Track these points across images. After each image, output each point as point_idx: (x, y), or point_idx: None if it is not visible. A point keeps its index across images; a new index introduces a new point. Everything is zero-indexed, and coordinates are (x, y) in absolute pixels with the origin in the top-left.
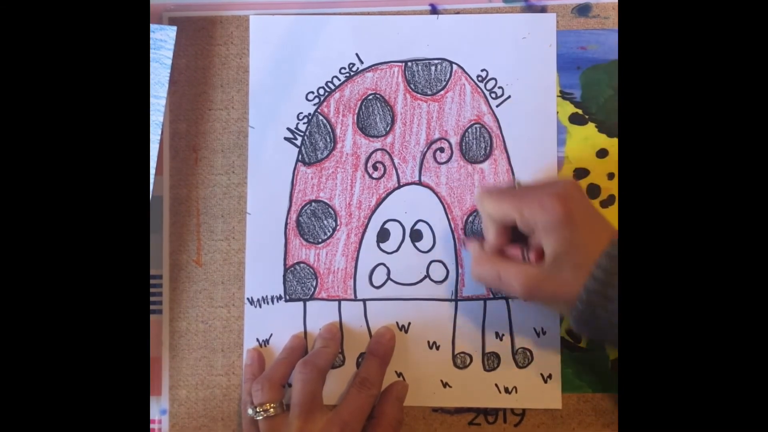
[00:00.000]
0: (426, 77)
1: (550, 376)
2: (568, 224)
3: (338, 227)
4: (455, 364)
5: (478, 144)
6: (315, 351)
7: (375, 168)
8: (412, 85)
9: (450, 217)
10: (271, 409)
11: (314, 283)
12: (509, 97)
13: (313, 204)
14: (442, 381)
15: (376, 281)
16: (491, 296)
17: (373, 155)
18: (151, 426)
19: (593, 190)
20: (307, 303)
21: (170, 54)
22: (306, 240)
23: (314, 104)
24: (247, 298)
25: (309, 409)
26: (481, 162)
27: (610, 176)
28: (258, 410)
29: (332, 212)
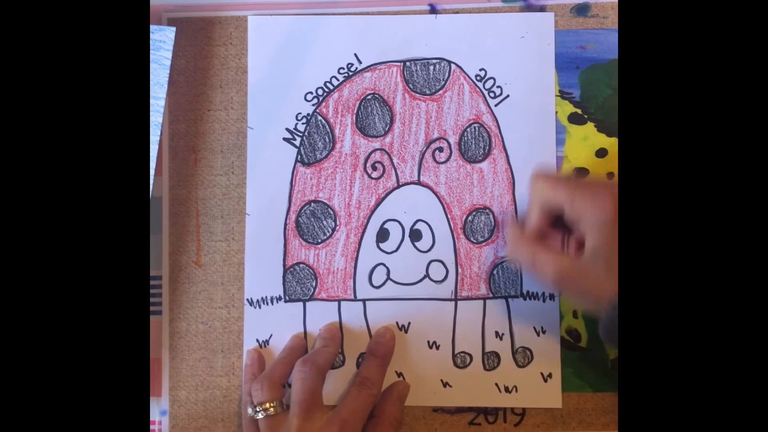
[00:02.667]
0: (425, 77)
1: (550, 375)
2: (616, 224)
3: (337, 227)
4: (455, 364)
5: (477, 143)
6: (315, 350)
7: (374, 168)
8: (410, 85)
9: (449, 216)
10: (271, 408)
11: (314, 284)
12: (508, 96)
13: (312, 204)
14: (442, 381)
15: (376, 281)
16: (491, 296)
17: (372, 155)
18: (151, 427)
19: None
20: (307, 303)
21: (169, 55)
22: (305, 240)
23: (313, 104)
24: (247, 299)
25: (309, 408)
26: (480, 161)
27: (610, 176)
28: (258, 409)
29: (331, 212)
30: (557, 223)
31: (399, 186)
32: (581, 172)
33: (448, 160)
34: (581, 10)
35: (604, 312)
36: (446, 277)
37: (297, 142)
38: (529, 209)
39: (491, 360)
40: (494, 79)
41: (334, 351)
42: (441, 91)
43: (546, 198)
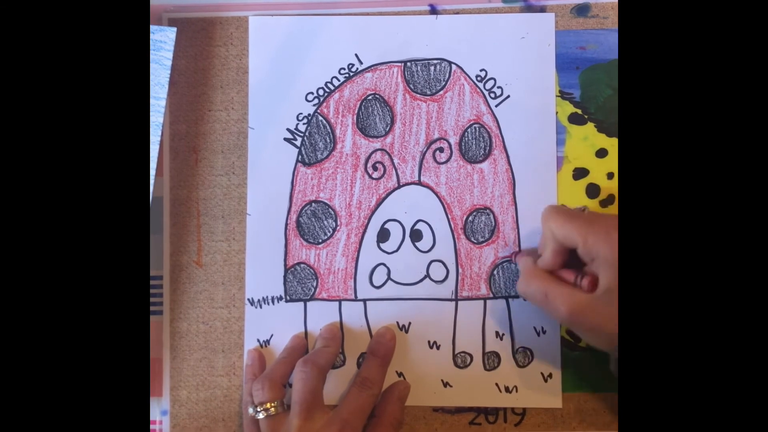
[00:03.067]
0: (425, 77)
1: (550, 376)
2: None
3: (338, 227)
4: (456, 364)
5: (478, 144)
6: (315, 350)
7: (375, 168)
8: (411, 85)
9: (450, 216)
10: (272, 408)
11: (314, 284)
12: (508, 96)
13: (313, 204)
14: (442, 380)
15: (377, 281)
16: (491, 296)
17: (373, 155)
18: (152, 427)
19: (593, 190)
20: (308, 303)
21: (170, 55)
22: (306, 240)
23: (314, 105)
24: (248, 299)
25: (309, 407)
26: (480, 162)
27: (610, 176)
28: (259, 409)
29: (332, 212)
30: (571, 257)
31: (399, 186)
32: (581, 172)
33: (448, 160)
34: (581, 10)
35: (615, 350)
36: (447, 277)
37: (298, 143)
38: (543, 246)
39: (491, 360)
40: (495, 80)
41: (334, 351)
42: (441, 92)
43: (559, 234)
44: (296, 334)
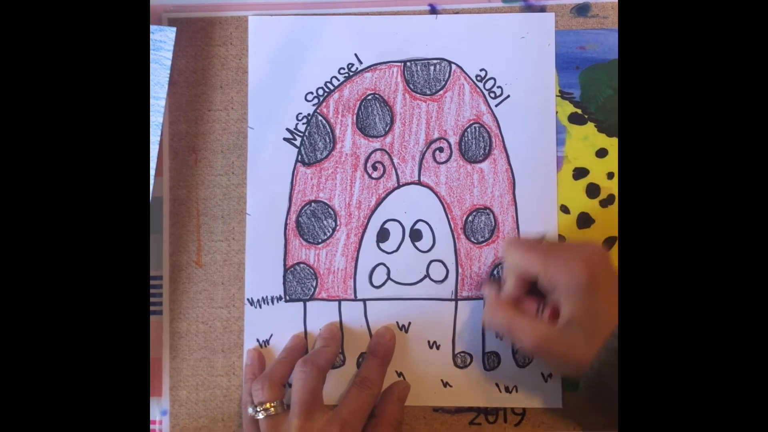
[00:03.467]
0: (425, 77)
1: (550, 375)
2: (589, 291)
3: (338, 227)
4: (455, 364)
5: (478, 144)
6: (315, 350)
7: (374, 168)
8: (411, 85)
9: (449, 216)
10: (272, 408)
11: (314, 284)
12: (508, 96)
13: (312, 204)
14: (442, 380)
15: (376, 281)
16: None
17: (373, 155)
18: (152, 427)
19: (593, 190)
20: (307, 303)
21: (169, 55)
22: (306, 240)
23: (313, 105)
24: (247, 299)
25: (309, 407)
26: (480, 161)
27: (610, 176)
28: (258, 409)
29: (332, 212)
30: (534, 288)
31: (399, 186)
32: (581, 172)
33: (448, 160)
34: (581, 10)
35: (584, 377)
36: (446, 277)
37: (297, 142)
38: (505, 276)
39: (491, 360)
40: (494, 80)
41: (334, 351)
42: (441, 92)
43: (519, 266)
44: (296, 334)
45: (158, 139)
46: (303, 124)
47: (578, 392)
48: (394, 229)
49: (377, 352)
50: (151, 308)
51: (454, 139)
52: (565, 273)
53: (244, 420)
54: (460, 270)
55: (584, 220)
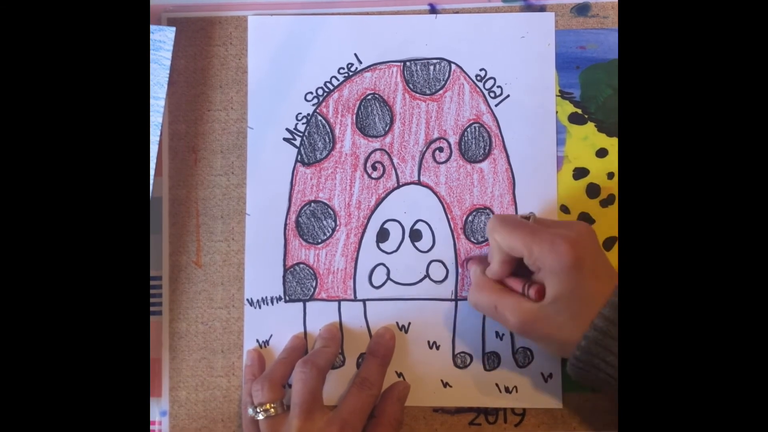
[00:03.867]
0: (425, 77)
1: (550, 376)
2: (575, 270)
3: (338, 227)
4: (455, 364)
5: (477, 143)
6: (315, 350)
7: (374, 168)
8: (410, 85)
9: (449, 216)
10: (272, 409)
11: (314, 284)
12: (508, 96)
13: (312, 204)
14: (442, 381)
15: (376, 281)
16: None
17: (372, 155)
18: (152, 427)
19: (593, 190)
20: (307, 303)
21: (169, 55)
22: (305, 240)
23: (313, 104)
24: (247, 299)
25: (309, 408)
26: (480, 161)
27: (610, 176)
28: (258, 410)
29: (331, 212)
30: (519, 265)
31: (399, 186)
32: (581, 171)
33: (448, 160)
34: (581, 10)
35: (571, 355)
36: (446, 277)
37: (297, 142)
38: (491, 255)
39: (491, 360)
40: (494, 79)
41: (334, 351)
42: (441, 91)
43: (504, 245)
44: (295, 335)
45: (158, 139)
46: (303, 124)
47: (564, 370)
48: (394, 230)
49: (377, 352)
50: (151, 308)
51: (453, 139)
52: (551, 252)
53: (243, 420)
54: (460, 270)
55: (584, 220)
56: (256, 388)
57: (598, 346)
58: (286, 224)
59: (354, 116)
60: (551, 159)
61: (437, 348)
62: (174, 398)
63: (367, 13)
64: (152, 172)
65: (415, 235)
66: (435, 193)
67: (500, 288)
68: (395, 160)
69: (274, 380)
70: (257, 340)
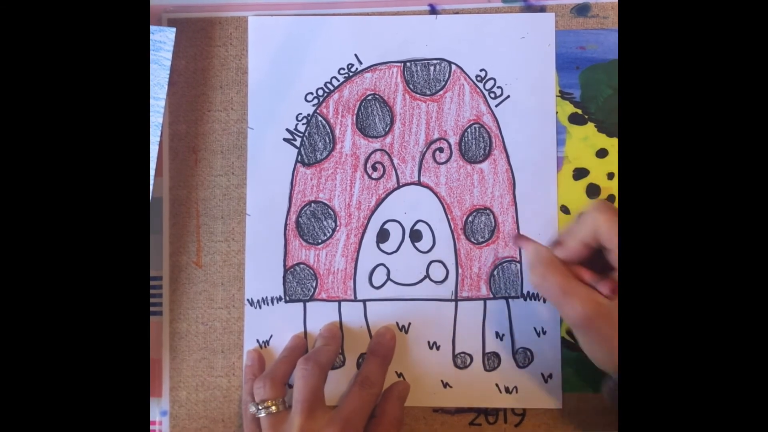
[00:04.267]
0: (425, 77)
1: (550, 376)
2: None
3: (338, 228)
4: (455, 364)
5: (478, 144)
6: (316, 349)
7: (374, 168)
8: (411, 86)
9: (449, 217)
10: (273, 407)
11: (314, 284)
12: (508, 96)
13: (312, 205)
14: (442, 381)
15: (376, 282)
16: (491, 296)
17: (373, 156)
18: (152, 427)
19: (593, 190)
20: (307, 304)
21: (169, 55)
22: (306, 241)
23: (313, 105)
24: (247, 300)
25: (311, 406)
26: (480, 162)
27: (610, 176)
28: (260, 407)
29: (332, 213)
30: (591, 259)
31: (399, 186)
32: (581, 172)
33: (448, 160)
34: (581, 10)
35: (614, 371)
36: (446, 277)
37: (297, 143)
38: (570, 235)
39: (492, 360)
40: (494, 80)
41: (335, 349)
42: (441, 92)
43: (600, 230)
44: (296, 334)
45: (158, 139)
46: (303, 124)
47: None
48: (394, 230)
49: (378, 351)
50: (151, 309)
51: (454, 140)
52: None
53: (244, 420)
54: (460, 270)
55: None
56: (258, 385)
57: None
58: (286, 225)
59: (354, 117)
60: (551, 159)
61: (437, 348)
62: (174, 398)
63: (367, 14)
64: (152, 172)
65: (416, 236)
66: (435, 193)
67: (571, 272)
68: (395, 161)
69: (276, 378)
70: (257, 341)
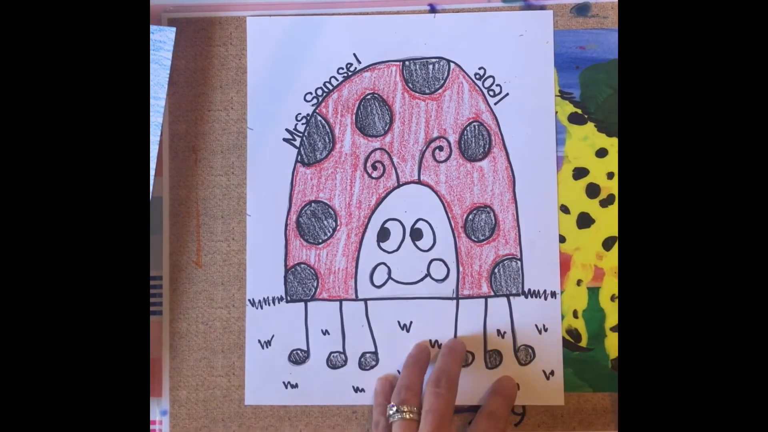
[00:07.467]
0: (424, 76)
1: (552, 373)
2: None
3: (338, 227)
4: None
5: (477, 142)
6: (441, 367)
7: (374, 167)
8: (410, 84)
9: (450, 215)
10: (410, 414)
11: (315, 284)
12: (507, 94)
13: (312, 204)
14: None
15: (377, 281)
16: (492, 294)
17: (372, 155)
18: (152, 427)
19: (593, 190)
20: (309, 303)
21: (169, 55)
22: (306, 240)
23: (313, 105)
24: (249, 300)
25: (442, 422)
26: (480, 160)
27: (610, 176)
28: (399, 411)
29: (332, 212)
30: None
31: (399, 185)
32: (581, 171)
33: (448, 158)
34: (581, 10)
35: None
36: (447, 275)
37: (297, 143)
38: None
39: (493, 358)
40: (493, 78)
41: (458, 369)
42: (440, 90)
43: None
44: (419, 343)
45: (158, 139)
46: (302, 124)
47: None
48: (395, 229)
49: (503, 391)
50: (151, 308)
51: (453, 138)
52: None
53: (374, 428)
54: (460, 268)
55: (584, 220)
56: (399, 392)
57: None
58: (286, 224)
59: (353, 116)
60: (551, 158)
61: (439, 347)
62: (174, 398)
63: (366, 13)
64: (152, 172)
65: (416, 234)
66: (435, 191)
67: None
68: (395, 160)
69: (415, 388)
70: (259, 341)
